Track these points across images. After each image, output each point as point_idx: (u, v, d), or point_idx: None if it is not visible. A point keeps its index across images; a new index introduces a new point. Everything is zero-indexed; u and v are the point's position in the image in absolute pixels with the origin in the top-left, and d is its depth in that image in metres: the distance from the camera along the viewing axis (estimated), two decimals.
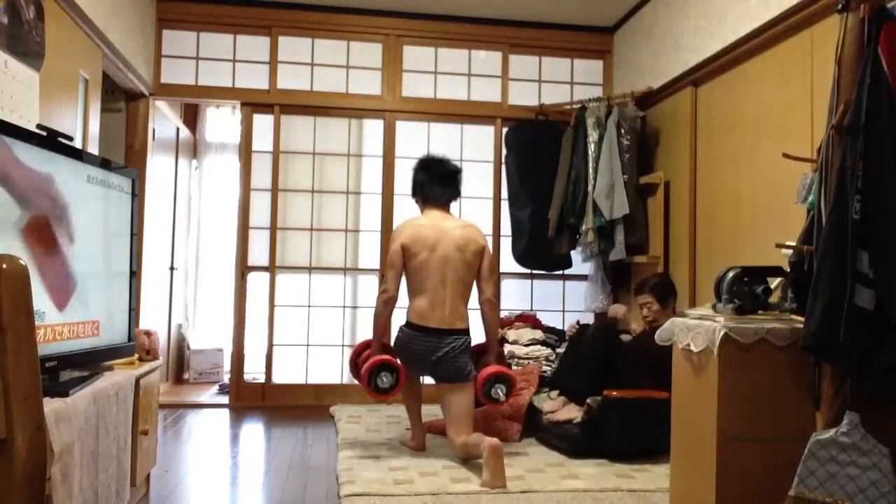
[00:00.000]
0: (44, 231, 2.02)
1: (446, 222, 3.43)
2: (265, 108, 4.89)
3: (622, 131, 4.43)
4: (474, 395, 3.32)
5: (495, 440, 2.95)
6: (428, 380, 3.52)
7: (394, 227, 4.88)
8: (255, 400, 4.77)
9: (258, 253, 4.86)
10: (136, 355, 2.67)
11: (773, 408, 2.19)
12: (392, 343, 3.45)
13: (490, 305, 3.42)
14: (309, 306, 4.93)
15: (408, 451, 3.45)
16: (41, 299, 1.99)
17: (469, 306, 3.43)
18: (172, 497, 2.85)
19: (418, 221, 3.45)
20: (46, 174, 2.04)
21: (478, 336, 3.49)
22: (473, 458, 3.10)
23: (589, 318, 4.99)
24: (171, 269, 5.39)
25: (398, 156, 4.99)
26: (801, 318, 2.10)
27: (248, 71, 4.88)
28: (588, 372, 3.48)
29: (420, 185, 3.53)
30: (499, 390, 3.28)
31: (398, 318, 3.48)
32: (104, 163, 2.44)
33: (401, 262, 3.34)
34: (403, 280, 3.40)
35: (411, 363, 3.31)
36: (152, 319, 4.78)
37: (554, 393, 3.87)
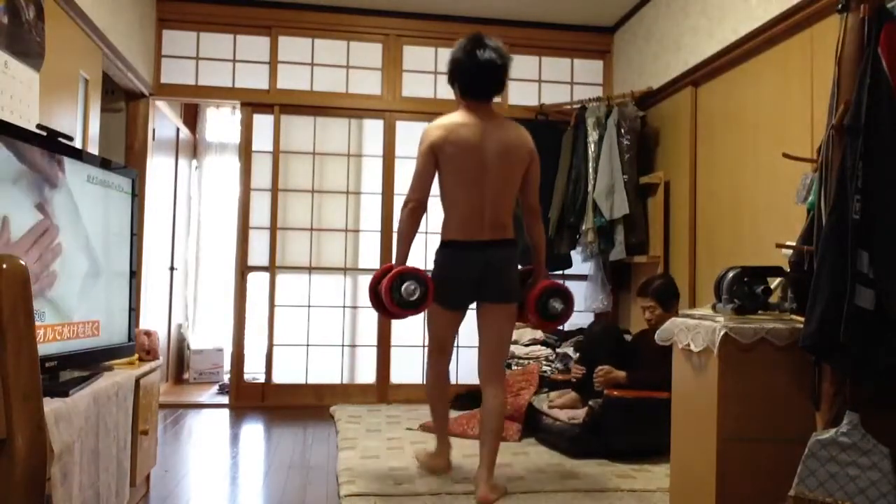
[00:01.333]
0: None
1: (488, 122, 2.86)
2: (265, 108, 4.89)
3: (622, 131, 4.43)
4: (519, 320, 2.99)
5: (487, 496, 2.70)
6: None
7: (393, 227, 4.90)
8: (255, 400, 4.77)
9: (258, 253, 4.86)
10: (136, 355, 2.67)
11: (773, 408, 2.19)
12: (431, 273, 2.91)
13: (536, 216, 2.99)
14: (309, 306, 4.93)
15: (408, 450, 3.43)
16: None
17: None
18: (172, 497, 2.85)
19: (453, 119, 2.87)
20: (48, 176, 2.04)
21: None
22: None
23: (590, 318, 4.99)
24: (171, 269, 5.39)
25: (398, 156, 4.99)
26: (801, 318, 2.10)
27: (248, 71, 4.88)
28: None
29: (458, 72, 2.89)
30: (555, 304, 2.89)
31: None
32: (104, 163, 2.44)
33: (431, 167, 2.82)
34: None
35: (454, 286, 2.84)
36: (152, 319, 4.78)
37: (554, 394, 3.88)
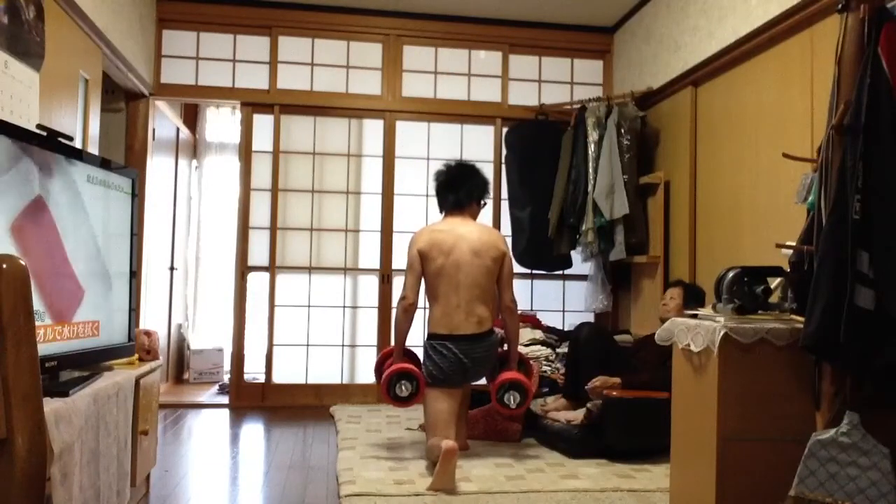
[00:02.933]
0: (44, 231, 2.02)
1: (462, 227, 3.38)
2: (265, 108, 4.89)
3: (622, 131, 4.43)
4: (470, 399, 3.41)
5: (452, 443, 2.87)
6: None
7: (394, 227, 4.92)
8: (255, 400, 4.77)
9: (258, 253, 4.86)
10: (136, 355, 2.67)
11: (773, 408, 2.19)
12: (422, 359, 3.38)
13: (510, 312, 3.39)
14: (309, 306, 4.93)
15: (408, 450, 3.44)
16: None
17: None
18: (172, 497, 2.85)
19: (435, 227, 3.44)
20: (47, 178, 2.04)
21: None
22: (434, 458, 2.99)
23: (589, 318, 4.99)
24: (171, 269, 5.39)
25: (398, 156, 4.99)
26: (801, 318, 2.10)
27: (248, 71, 4.88)
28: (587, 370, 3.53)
29: (436, 192, 3.57)
30: (511, 397, 3.27)
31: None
32: (104, 163, 2.44)
33: (420, 267, 3.32)
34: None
35: (441, 373, 3.22)
36: (152, 319, 4.78)
37: (550, 399, 3.89)
